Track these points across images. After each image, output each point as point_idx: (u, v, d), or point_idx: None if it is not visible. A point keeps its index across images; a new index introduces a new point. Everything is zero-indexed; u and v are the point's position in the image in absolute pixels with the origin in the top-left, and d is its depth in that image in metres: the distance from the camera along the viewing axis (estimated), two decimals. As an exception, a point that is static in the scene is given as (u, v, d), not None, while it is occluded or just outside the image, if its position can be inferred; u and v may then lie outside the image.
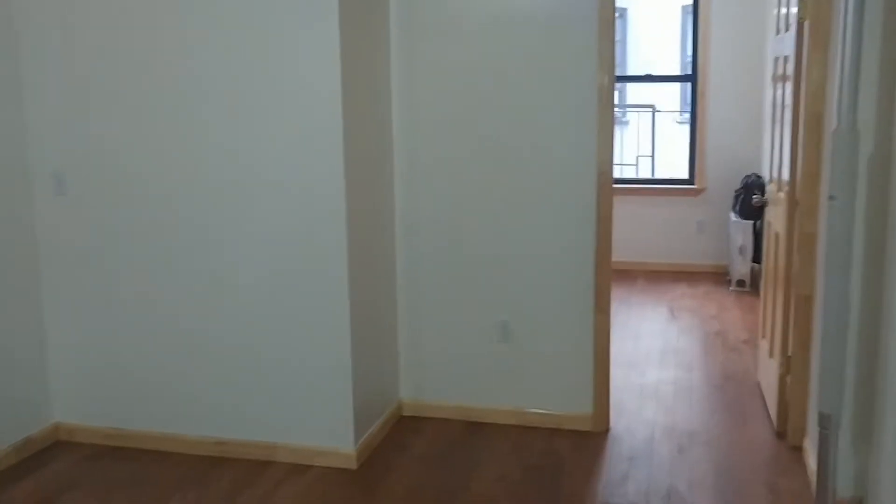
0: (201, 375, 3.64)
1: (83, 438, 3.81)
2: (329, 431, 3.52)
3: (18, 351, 3.65)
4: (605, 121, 3.67)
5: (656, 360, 4.96)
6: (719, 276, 7.07)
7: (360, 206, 3.51)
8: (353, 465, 3.50)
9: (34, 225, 3.69)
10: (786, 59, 3.83)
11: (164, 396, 3.70)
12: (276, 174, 3.41)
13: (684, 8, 15.54)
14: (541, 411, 3.91)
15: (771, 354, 4.05)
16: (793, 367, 3.63)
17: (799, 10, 3.46)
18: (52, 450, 3.74)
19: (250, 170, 3.44)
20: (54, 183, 3.65)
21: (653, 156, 10.44)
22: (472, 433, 3.86)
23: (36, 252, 3.71)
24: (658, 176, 10.01)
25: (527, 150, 3.76)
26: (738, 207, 6.68)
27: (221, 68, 3.40)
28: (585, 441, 3.77)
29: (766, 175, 5.06)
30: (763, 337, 4.37)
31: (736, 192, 6.82)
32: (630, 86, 14.70)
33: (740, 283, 6.62)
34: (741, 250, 6.50)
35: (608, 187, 3.72)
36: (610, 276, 3.82)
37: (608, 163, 3.70)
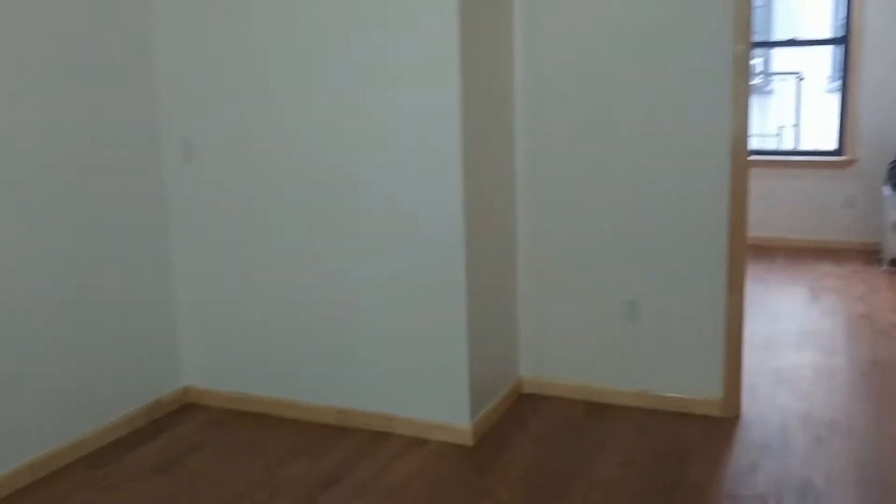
0: (323, 343, 3.66)
1: (211, 402, 3.92)
2: (445, 406, 3.47)
3: (151, 316, 3.77)
4: (741, 90, 3.41)
5: (794, 342, 4.65)
6: (869, 255, 6.58)
7: (478, 179, 3.42)
8: (469, 442, 3.44)
9: (164, 193, 3.80)
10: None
11: (287, 363, 3.75)
12: (395, 144, 3.36)
13: (837, -34, 14.50)
14: (668, 394, 3.73)
15: (926, 341, 3.70)
16: (952, 356, 3.29)
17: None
18: (181, 412, 3.87)
19: (370, 139, 3.40)
20: (183, 151, 3.74)
21: (797, 126, 9.83)
22: (594, 414, 3.72)
23: (166, 220, 3.82)
24: (803, 147, 9.42)
25: (656, 120, 3.56)
26: (892, 180, 6.19)
27: (342, 40, 3.37)
28: (714, 427, 3.56)
29: (925, 145, 4.62)
30: (918, 322, 4.00)
31: (890, 164, 6.31)
32: (777, 51, 13.86)
33: (894, 262, 6.14)
34: (895, 227, 6.02)
35: (743, 159, 3.47)
36: (745, 252, 3.57)
37: (743, 133, 3.45)
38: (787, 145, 9.75)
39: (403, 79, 3.30)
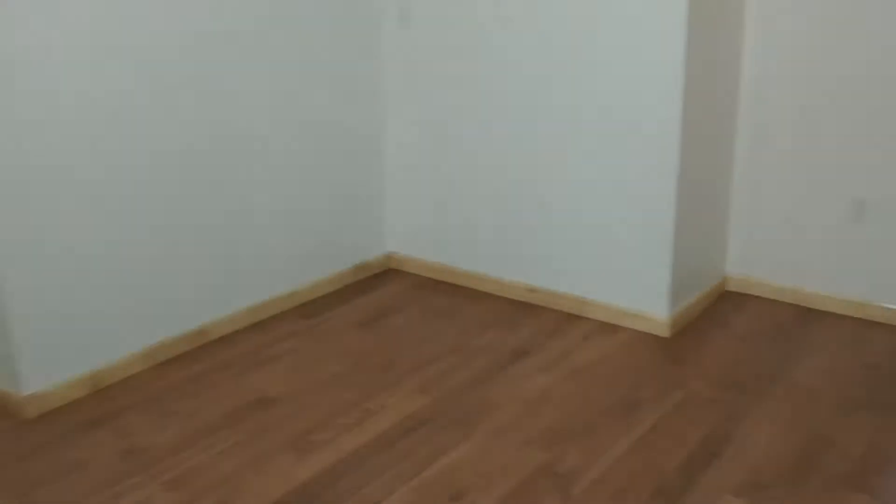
0: (523, 221, 3.66)
1: (411, 269, 4.07)
2: (643, 295, 3.39)
3: (361, 184, 3.92)
4: None
5: None
6: None
7: (699, 65, 3.19)
8: (666, 333, 3.36)
9: (381, 58, 3.86)
10: None
11: (486, 238, 3.79)
12: (614, 26, 3.20)
13: None
14: (889, 305, 3.43)
15: None
16: None
17: None
18: (384, 275, 4.05)
19: (594, 20, 3.26)
20: (399, 15, 3.75)
21: None
22: (801, 319, 3.50)
23: (381, 86, 3.89)
24: None
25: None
26: None
27: None
28: (941, 347, 3.25)
29: None
30: None
31: None
32: None
33: None
34: None
35: None
36: None
37: None
38: None
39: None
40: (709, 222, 3.59)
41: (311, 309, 3.66)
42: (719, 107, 3.46)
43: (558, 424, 2.73)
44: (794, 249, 3.60)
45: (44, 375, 2.83)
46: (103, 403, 2.90)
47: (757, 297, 3.72)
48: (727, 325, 3.46)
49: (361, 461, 2.54)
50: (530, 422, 2.75)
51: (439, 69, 3.73)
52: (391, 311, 3.65)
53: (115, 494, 2.39)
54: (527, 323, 3.50)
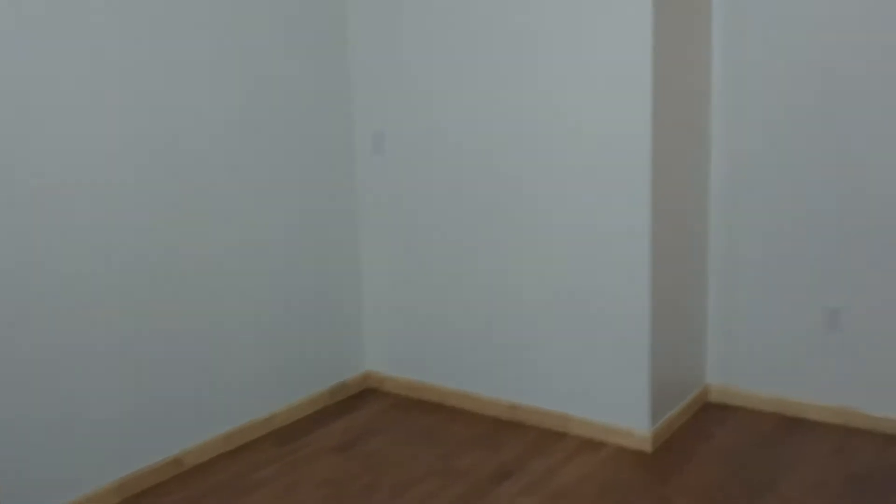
0: (500, 339, 3.65)
1: (390, 388, 4.02)
2: (623, 409, 3.36)
3: (338, 304, 3.92)
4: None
5: None
6: None
7: (668, 171, 3.28)
8: (648, 448, 3.31)
9: (355, 184, 3.92)
10: None
11: (465, 355, 3.78)
12: (582, 148, 3.29)
13: None
14: (873, 413, 3.42)
15: None
16: None
17: None
18: (362, 396, 3.99)
19: (559, 144, 3.35)
20: (373, 143, 3.84)
21: None
22: (785, 429, 3.48)
23: (356, 210, 3.94)
24: None
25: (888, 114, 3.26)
26: None
27: (532, 42, 3.34)
28: (926, 455, 3.23)
29: None
30: None
31: None
32: None
33: None
34: None
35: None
36: (972, 263, 3.20)
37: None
38: None
39: (593, 84, 3.22)
40: (685, 334, 3.60)
41: (287, 434, 3.59)
42: (689, 218, 3.53)
43: (543, 551, 2.66)
44: (773, 358, 3.61)
45: (13, 513, 2.74)
46: (71, 543, 2.80)
47: (739, 407, 3.69)
48: (710, 438, 3.42)
49: None
50: (515, 549, 2.68)
51: (412, 192, 3.79)
52: (370, 433, 3.58)
53: None
54: (509, 442, 3.44)
